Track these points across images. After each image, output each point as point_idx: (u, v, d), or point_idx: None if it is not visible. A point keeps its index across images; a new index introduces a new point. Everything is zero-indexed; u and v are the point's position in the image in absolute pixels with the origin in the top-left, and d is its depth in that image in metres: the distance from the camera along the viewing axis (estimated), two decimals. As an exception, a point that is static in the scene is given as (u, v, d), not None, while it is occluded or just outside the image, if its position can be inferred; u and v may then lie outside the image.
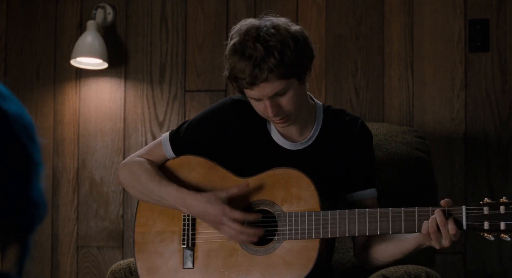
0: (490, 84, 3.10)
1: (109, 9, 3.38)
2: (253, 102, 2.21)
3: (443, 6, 3.15)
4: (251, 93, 2.16)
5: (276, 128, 2.30)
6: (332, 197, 2.29)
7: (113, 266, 2.42)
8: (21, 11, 3.47)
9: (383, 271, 2.21)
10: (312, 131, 2.30)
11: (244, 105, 2.29)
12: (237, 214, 2.17)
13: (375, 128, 2.76)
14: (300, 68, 2.16)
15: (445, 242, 2.06)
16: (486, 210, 2.05)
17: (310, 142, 2.30)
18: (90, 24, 3.31)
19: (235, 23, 3.27)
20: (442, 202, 2.09)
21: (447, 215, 2.06)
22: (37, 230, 0.95)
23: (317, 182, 2.21)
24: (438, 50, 3.14)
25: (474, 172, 3.09)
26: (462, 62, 3.12)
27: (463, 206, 2.07)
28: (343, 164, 2.29)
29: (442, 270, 2.95)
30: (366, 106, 3.18)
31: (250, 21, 2.18)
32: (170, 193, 2.26)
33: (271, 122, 2.30)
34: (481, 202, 2.07)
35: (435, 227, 2.05)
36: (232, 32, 2.19)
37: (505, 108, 3.09)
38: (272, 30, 2.13)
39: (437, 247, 2.08)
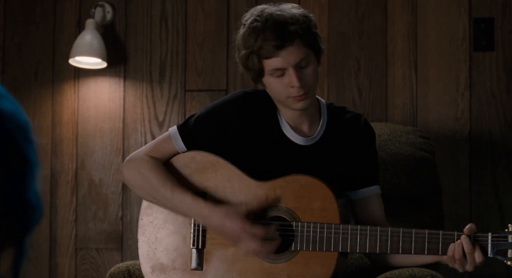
0: (495, 84, 3.08)
1: (108, 8, 3.36)
2: (273, 81, 2.15)
3: (447, 4, 3.12)
4: (275, 62, 2.11)
5: (288, 123, 2.25)
6: (341, 195, 2.27)
7: (112, 269, 2.39)
8: (19, 9, 3.44)
9: (387, 274, 2.20)
10: (319, 127, 2.28)
11: (255, 99, 2.25)
12: (258, 230, 2.11)
13: (379, 128, 2.74)
14: (318, 43, 2.18)
15: (469, 268, 2.07)
16: (510, 238, 2.06)
17: (318, 138, 2.27)
18: (89, 23, 3.29)
19: (236, 22, 3.27)
20: (466, 230, 2.07)
21: (473, 241, 2.06)
22: (35, 232, 0.93)
23: (333, 190, 2.17)
24: (442, 49, 3.12)
25: (479, 172, 3.07)
26: (467, 62, 3.10)
27: (489, 233, 2.07)
28: (348, 161, 2.27)
29: (446, 272, 2.92)
30: (369, 105, 3.15)
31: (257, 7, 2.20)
32: (185, 201, 2.19)
33: (281, 114, 2.25)
34: (506, 230, 2.07)
35: (461, 253, 2.05)
36: (243, 21, 2.20)
37: (510, 108, 3.06)
38: (288, 5, 2.17)
39: (460, 270, 2.09)
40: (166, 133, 2.31)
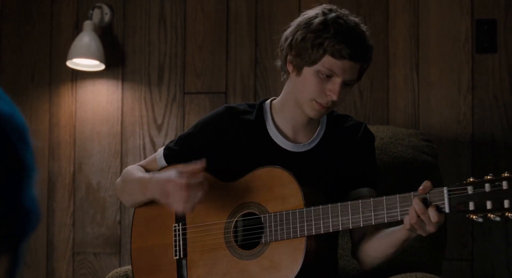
0: (497, 86, 3.05)
1: (106, 9, 3.34)
2: (313, 78, 2.13)
3: (450, 5, 3.10)
4: (335, 65, 2.11)
5: (277, 130, 2.26)
6: (335, 200, 2.24)
7: (110, 274, 2.41)
8: (16, 10, 3.42)
9: (390, 279, 2.18)
10: (316, 134, 2.28)
11: (239, 112, 2.28)
12: (182, 179, 2.07)
13: (381, 131, 2.72)
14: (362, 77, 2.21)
15: (430, 228, 1.96)
16: (470, 190, 1.91)
17: (313, 145, 2.27)
18: (87, 24, 3.26)
19: (235, 23, 3.25)
20: (420, 189, 1.98)
21: (428, 201, 1.96)
22: (32, 237, 0.90)
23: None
24: (444, 50, 3.09)
25: (481, 175, 3.03)
26: (469, 63, 3.07)
27: (444, 188, 1.95)
28: (342, 168, 2.26)
29: (449, 277, 2.91)
30: (370, 108, 3.13)
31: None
32: (143, 181, 2.22)
33: (271, 122, 2.26)
34: (464, 181, 1.94)
35: (416, 217, 1.95)
36: (322, 9, 2.15)
37: (513, 110, 3.04)
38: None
39: (424, 235, 1.99)
40: (154, 155, 2.36)
